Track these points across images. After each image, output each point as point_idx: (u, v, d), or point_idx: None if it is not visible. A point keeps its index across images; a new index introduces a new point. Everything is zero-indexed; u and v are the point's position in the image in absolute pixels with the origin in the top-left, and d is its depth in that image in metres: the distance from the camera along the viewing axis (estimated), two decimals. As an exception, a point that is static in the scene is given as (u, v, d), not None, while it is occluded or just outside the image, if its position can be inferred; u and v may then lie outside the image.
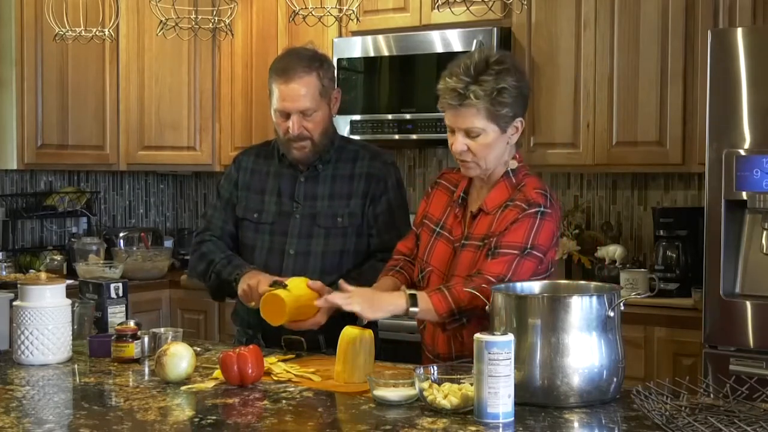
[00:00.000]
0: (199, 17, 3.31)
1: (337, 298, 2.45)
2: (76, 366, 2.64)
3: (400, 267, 2.73)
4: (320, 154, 2.94)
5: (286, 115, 2.87)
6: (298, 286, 2.65)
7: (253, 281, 2.76)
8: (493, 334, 2.04)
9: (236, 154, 3.16)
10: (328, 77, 2.90)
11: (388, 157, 3.01)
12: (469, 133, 2.48)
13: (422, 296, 2.43)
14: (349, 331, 2.45)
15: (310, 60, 2.88)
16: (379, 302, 2.44)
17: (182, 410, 2.19)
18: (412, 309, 2.41)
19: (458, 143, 2.49)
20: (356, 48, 4.54)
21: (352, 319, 2.55)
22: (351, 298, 2.43)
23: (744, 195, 3.37)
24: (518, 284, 2.37)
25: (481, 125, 2.47)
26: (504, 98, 2.45)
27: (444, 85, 2.49)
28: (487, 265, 2.44)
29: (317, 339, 2.81)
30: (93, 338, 2.78)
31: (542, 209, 2.47)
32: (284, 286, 2.62)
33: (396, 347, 2.85)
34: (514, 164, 2.56)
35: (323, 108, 2.90)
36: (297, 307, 2.62)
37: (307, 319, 2.63)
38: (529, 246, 2.44)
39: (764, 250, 3.39)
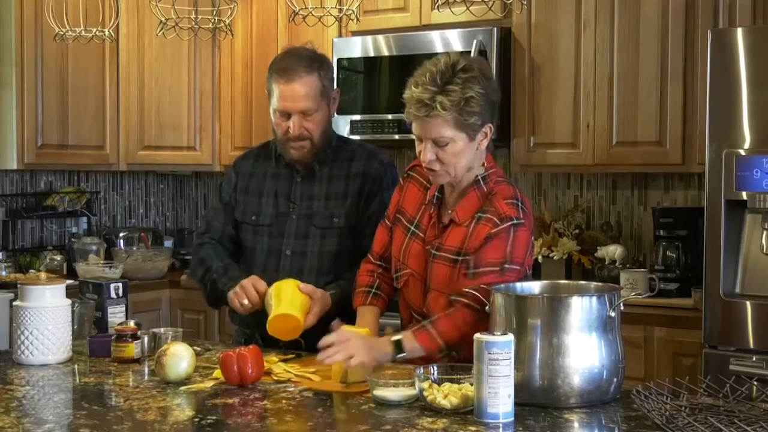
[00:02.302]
0: (199, 17, 3.31)
1: (338, 355, 2.35)
2: (76, 366, 2.64)
3: (376, 287, 2.70)
4: (318, 155, 2.94)
5: (287, 116, 2.87)
6: (294, 294, 2.70)
7: (247, 282, 2.77)
8: (493, 334, 2.04)
9: (236, 158, 3.15)
10: (328, 77, 2.91)
11: (384, 157, 3.01)
12: (437, 143, 2.43)
13: (407, 338, 2.41)
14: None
15: (311, 60, 2.88)
16: (376, 349, 2.40)
17: (182, 410, 2.19)
18: (399, 356, 2.39)
19: (427, 152, 2.44)
20: (356, 48, 4.53)
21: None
22: (349, 351, 2.35)
23: (744, 195, 3.37)
24: (518, 284, 2.37)
25: (450, 134, 2.41)
26: (472, 107, 2.39)
27: (410, 94, 2.43)
28: (467, 286, 2.42)
29: (317, 339, 2.81)
30: (93, 338, 2.78)
31: (515, 221, 2.43)
32: None
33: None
34: (481, 170, 2.51)
35: (323, 108, 2.90)
36: (305, 318, 2.70)
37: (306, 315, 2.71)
38: (507, 261, 2.41)
39: (764, 250, 3.39)
